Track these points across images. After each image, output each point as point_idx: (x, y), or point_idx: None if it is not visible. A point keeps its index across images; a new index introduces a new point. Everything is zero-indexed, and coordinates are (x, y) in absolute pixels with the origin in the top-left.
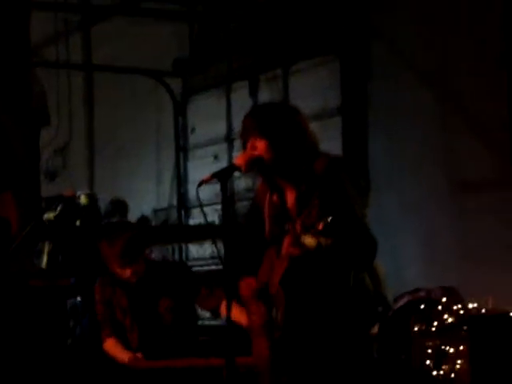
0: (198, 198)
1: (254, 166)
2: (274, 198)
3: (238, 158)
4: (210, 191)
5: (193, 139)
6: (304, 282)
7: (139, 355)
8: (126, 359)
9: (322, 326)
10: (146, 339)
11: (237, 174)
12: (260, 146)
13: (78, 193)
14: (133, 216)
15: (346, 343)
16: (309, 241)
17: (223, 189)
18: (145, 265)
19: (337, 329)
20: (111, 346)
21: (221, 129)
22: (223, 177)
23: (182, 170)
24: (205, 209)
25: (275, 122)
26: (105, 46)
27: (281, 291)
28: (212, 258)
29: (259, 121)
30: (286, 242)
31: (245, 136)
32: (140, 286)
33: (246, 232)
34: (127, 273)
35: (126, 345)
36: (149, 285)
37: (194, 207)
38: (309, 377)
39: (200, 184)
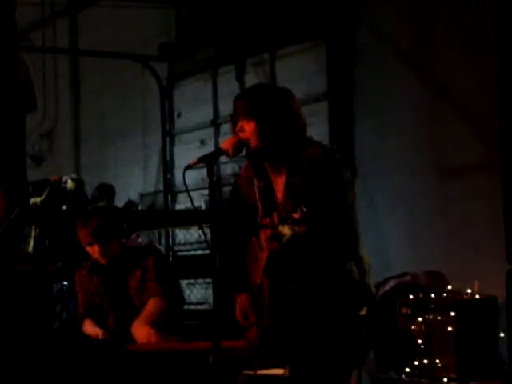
0: (184, 182)
1: (241, 150)
2: (261, 183)
3: (225, 142)
4: (197, 176)
5: (179, 124)
6: (285, 271)
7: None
8: (100, 334)
9: (307, 312)
10: (120, 323)
11: (223, 158)
12: (249, 128)
13: (65, 177)
14: (120, 201)
15: (331, 329)
16: (285, 231)
17: (210, 173)
18: (120, 249)
19: (321, 315)
20: (85, 325)
21: (207, 113)
22: (210, 161)
23: (168, 155)
24: (191, 194)
25: (266, 104)
26: (91, 31)
27: (265, 281)
28: (198, 242)
29: (249, 102)
30: (264, 235)
31: (234, 118)
32: (112, 269)
33: (230, 218)
34: (95, 251)
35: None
36: (120, 268)
37: (181, 192)
38: (297, 360)
39: (186, 168)
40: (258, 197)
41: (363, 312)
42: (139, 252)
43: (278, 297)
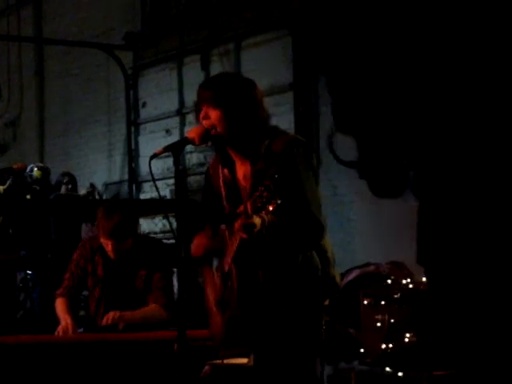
0: (150, 171)
1: (207, 139)
2: (225, 171)
3: (191, 131)
4: (162, 165)
5: (144, 113)
6: (254, 260)
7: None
8: (60, 328)
9: (272, 302)
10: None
11: (189, 148)
12: (214, 115)
13: (31, 165)
14: (83, 189)
15: (294, 317)
16: (257, 221)
17: (176, 162)
18: (131, 241)
19: (284, 304)
20: (59, 304)
21: (172, 103)
22: (176, 150)
23: (133, 145)
24: (156, 183)
25: (231, 92)
26: (56, 20)
27: (234, 269)
28: (163, 232)
29: (215, 90)
30: (238, 223)
31: (199, 106)
32: (120, 260)
33: (201, 206)
34: (109, 246)
35: (85, 309)
36: (128, 261)
37: (145, 181)
38: (262, 348)
39: (152, 157)
40: (221, 184)
41: (327, 302)
42: (150, 246)
43: (247, 284)
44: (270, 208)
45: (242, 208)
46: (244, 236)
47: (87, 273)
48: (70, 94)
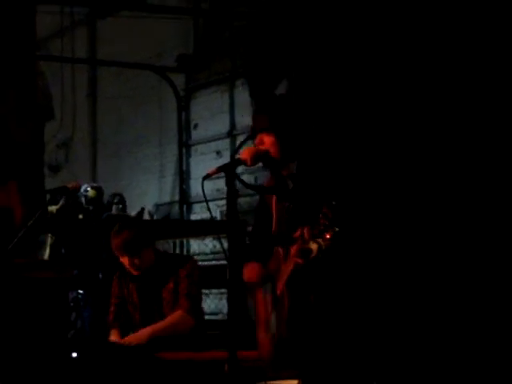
0: (203, 191)
1: (259, 160)
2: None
3: (244, 152)
4: (212, 187)
5: (195, 135)
6: (306, 284)
7: None
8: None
9: (325, 325)
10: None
11: (240, 169)
12: (267, 140)
13: (85, 185)
14: (135, 210)
15: (348, 344)
16: (313, 247)
17: (229, 182)
18: (154, 258)
19: (339, 330)
20: (112, 337)
21: (223, 125)
22: (229, 170)
23: (184, 166)
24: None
25: (283, 118)
26: (110, 41)
27: (286, 292)
28: (213, 253)
29: (270, 117)
30: (294, 248)
31: (255, 131)
32: (147, 279)
33: (255, 227)
34: (126, 262)
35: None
36: (154, 278)
37: (196, 202)
38: (311, 373)
39: (205, 177)
40: (274, 206)
41: None
42: (174, 261)
43: (298, 308)
44: (327, 236)
45: (298, 233)
46: (299, 262)
47: (125, 301)
48: (123, 116)
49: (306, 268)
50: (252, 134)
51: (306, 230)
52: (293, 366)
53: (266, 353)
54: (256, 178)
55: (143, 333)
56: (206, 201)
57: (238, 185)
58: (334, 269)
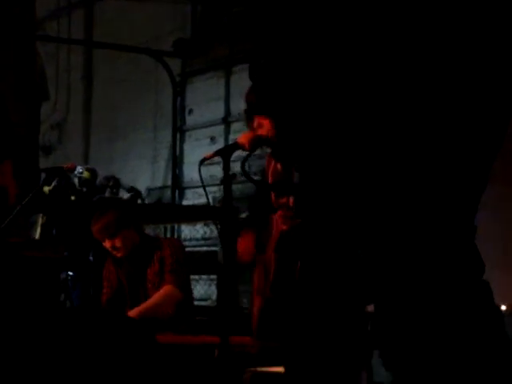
0: (200, 174)
1: (257, 145)
2: (278, 166)
3: (242, 136)
4: (205, 173)
5: (190, 120)
6: (294, 250)
7: None
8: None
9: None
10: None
11: (233, 156)
12: (266, 123)
13: (80, 167)
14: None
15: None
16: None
17: (225, 166)
18: (137, 239)
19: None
20: None
21: (219, 111)
22: (226, 155)
23: (177, 151)
24: (200, 190)
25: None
26: (106, 24)
27: (273, 259)
28: (204, 239)
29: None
30: (278, 215)
31: (250, 112)
32: (132, 261)
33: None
34: (107, 246)
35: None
36: (138, 259)
37: (188, 188)
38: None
39: (202, 161)
40: (270, 174)
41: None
42: (158, 242)
43: (283, 273)
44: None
45: (284, 199)
46: (284, 228)
47: (115, 284)
48: (117, 99)
49: (292, 234)
50: (247, 116)
51: (291, 197)
52: (275, 336)
53: (253, 320)
54: (249, 166)
55: (131, 315)
56: (203, 185)
57: (233, 170)
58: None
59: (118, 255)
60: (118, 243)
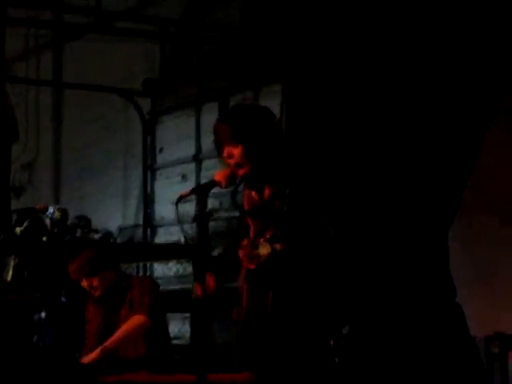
0: (177, 213)
1: (233, 181)
2: (253, 194)
3: (218, 174)
4: (179, 211)
5: (161, 159)
6: (264, 281)
7: None
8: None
9: (280, 324)
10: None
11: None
12: (236, 152)
13: (52, 207)
14: (98, 233)
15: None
16: (263, 251)
17: (202, 204)
18: (114, 279)
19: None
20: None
21: (189, 149)
22: (202, 192)
23: (149, 189)
24: (171, 228)
25: (249, 126)
26: (76, 64)
27: (244, 288)
28: (176, 277)
29: (233, 126)
30: (242, 253)
31: (219, 142)
32: (108, 300)
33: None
34: (84, 285)
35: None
36: (114, 299)
37: (160, 226)
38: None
39: (179, 199)
40: (246, 205)
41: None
42: (131, 282)
43: (255, 303)
44: (267, 235)
45: (246, 241)
46: (250, 266)
47: (94, 324)
48: (88, 139)
49: (261, 269)
50: (217, 147)
51: (251, 230)
52: (248, 367)
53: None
54: (221, 203)
55: (96, 351)
56: (180, 223)
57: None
58: (289, 271)
59: (96, 294)
60: (95, 282)
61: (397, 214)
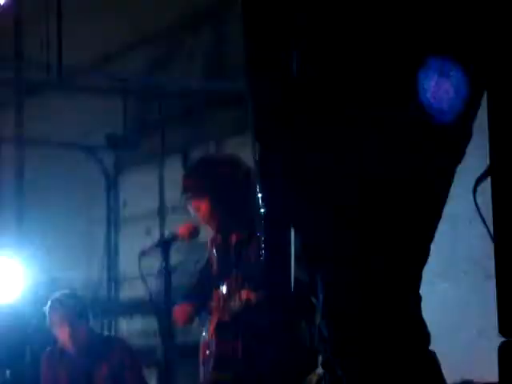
0: (139, 268)
1: (196, 235)
2: (219, 237)
3: (181, 228)
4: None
5: (124, 213)
6: (234, 331)
7: None
8: None
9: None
10: None
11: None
12: (203, 206)
13: None
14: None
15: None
16: (234, 308)
17: (165, 258)
18: (86, 337)
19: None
20: None
21: (153, 203)
22: (165, 247)
23: (112, 244)
24: (135, 283)
25: (215, 180)
26: (37, 121)
27: (215, 337)
28: (142, 332)
29: (199, 181)
30: (215, 308)
31: (187, 196)
32: (79, 357)
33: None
34: (66, 334)
35: None
36: (87, 357)
37: (124, 280)
38: None
39: (143, 253)
40: (212, 248)
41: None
42: (107, 343)
43: (224, 354)
44: (244, 296)
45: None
46: (224, 319)
47: (57, 379)
48: (49, 194)
49: (232, 322)
50: (184, 201)
51: (225, 285)
52: None
53: None
54: (185, 256)
55: None
56: (143, 278)
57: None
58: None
59: (70, 346)
60: (76, 333)
61: (367, 259)
